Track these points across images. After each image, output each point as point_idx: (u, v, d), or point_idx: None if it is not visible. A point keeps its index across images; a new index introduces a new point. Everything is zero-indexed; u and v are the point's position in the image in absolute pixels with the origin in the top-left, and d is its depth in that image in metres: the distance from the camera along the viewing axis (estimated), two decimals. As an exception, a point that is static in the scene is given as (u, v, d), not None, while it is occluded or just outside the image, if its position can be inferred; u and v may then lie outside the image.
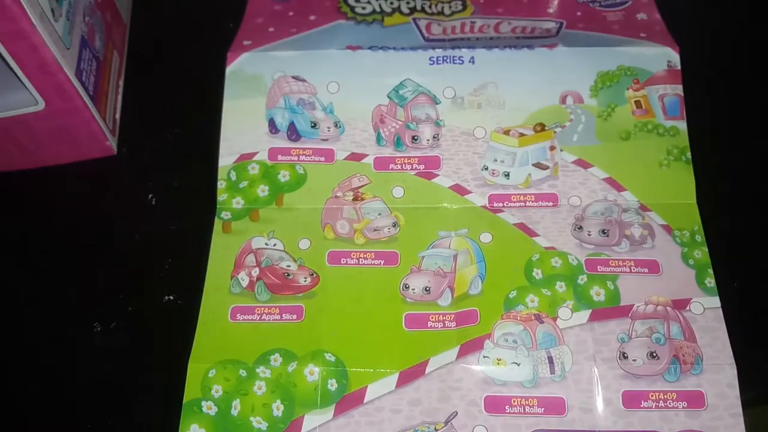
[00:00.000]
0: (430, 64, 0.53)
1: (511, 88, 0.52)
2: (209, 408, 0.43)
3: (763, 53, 0.56)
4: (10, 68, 0.45)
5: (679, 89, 0.52)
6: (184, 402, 0.43)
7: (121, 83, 0.56)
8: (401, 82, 0.53)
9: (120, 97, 0.56)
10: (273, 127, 0.52)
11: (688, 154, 0.50)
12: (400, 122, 0.52)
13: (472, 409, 0.43)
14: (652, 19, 0.55)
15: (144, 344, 0.47)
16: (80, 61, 0.49)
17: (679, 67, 0.52)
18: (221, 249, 0.49)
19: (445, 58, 0.53)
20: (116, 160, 0.54)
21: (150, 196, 0.52)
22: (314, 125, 0.52)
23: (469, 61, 0.53)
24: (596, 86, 0.52)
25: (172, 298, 0.48)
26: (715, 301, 0.45)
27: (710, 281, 0.46)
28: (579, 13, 0.56)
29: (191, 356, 0.45)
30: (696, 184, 0.49)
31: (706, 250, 0.47)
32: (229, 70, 0.53)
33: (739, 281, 0.46)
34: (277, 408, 0.43)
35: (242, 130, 0.52)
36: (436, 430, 0.42)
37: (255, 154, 0.51)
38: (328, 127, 0.52)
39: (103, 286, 0.49)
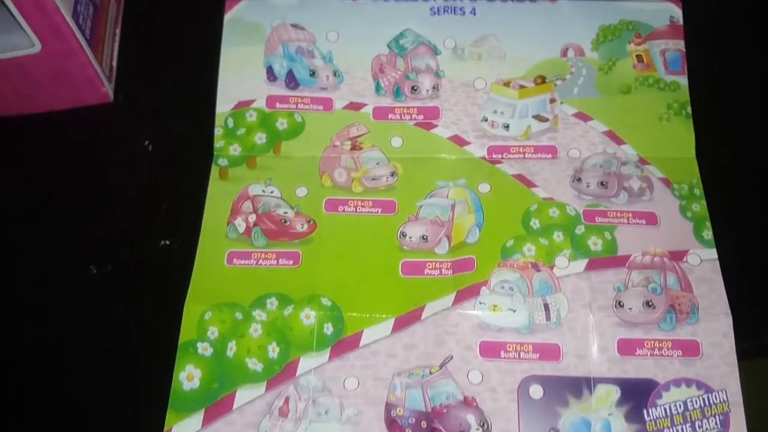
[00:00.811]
0: (431, 14, 0.53)
1: (512, 40, 0.52)
2: (204, 349, 0.43)
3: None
4: (7, 9, 0.45)
5: (681, 44, 0.51)
6: (179, 343, 0.43)
7: (118, 31, 0.56)
8: (401, 32, 0.52)
9: (117, 45, 0.55)
10: (271, 75, 0.52)
11: (689, 109, 0.50)
12: (399, 72, 0.51)
13: (467, 354, 0.43)
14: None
15: (139, 287, 0.46)
16: (77, 4, 0.48)
17: (681, 23, 0.52)
18: (218, 195, 0.49)
19: (446, 8, 0.53)
20: (113, 107, 0.53)
21: (146, 142, 0.51)
22: (313, 74, 0.51)
23: (471, 12, 0.52)
24: (598, 40, 0.52)
25: (168, 242, 0.48)
26: (713, 253, 0.45)
27: (708, 234, 0.46)
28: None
29: (187, 298, 0.45)
30: (696, 138, 0.49)
31: (705, 203, 0.47)
32: (227, 17, 0.53)
33: (736, 234, 0.46)
34: (273, 350, 0.43)
35: (240, 78, 0.52)
36: (431, 373, 0.42)
37: (252, 101, 0.51)
38: (327, 76, 0.51)
39: (98, 231, 0.49)
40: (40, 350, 0.44)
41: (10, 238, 0.48)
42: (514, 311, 0.43)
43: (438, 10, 0.53)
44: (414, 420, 0.41)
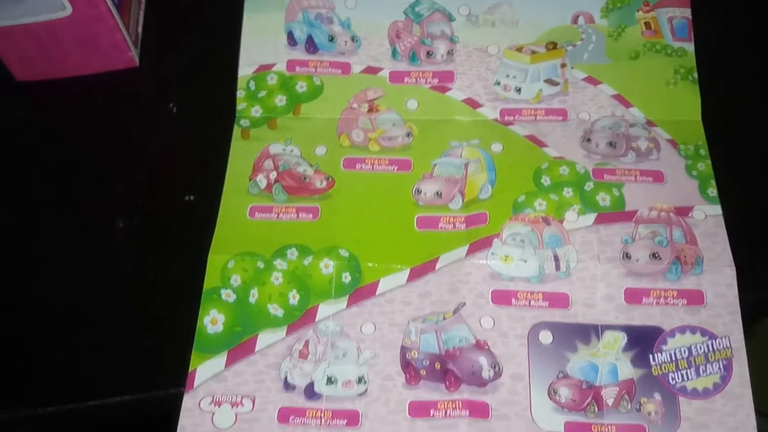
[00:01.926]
0: (447, -18, 0.55)
1: (525, 7, 0.54)
2: (228, 296, 0.45)
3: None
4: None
5: (687, 12, 0.53)
6: (204, 289, 0.45)
7: (143, 0, 0.58)
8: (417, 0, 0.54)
9: (142, 13, 0.57)
10: (291, 40, 0.54)
11: (695, 74, 0.51)
12: (415, 38, 0.53)
13: (479, 301, 0.44)
14: (664, -53, 0.56)
15: (165, 239, 0.48)
16: (106, -30, 0.51)
17: (688, -9, 0.54)
18: (240, 154, 0.51)
19: (461, -23, 0.55)
20: (138, 72, 0.55)
21: (171, 105, 0.53)
22: (332, 39, 0.53)
23: (485, -19, 0.54)
24: (607, 7, 0.53)
25: (192, 198, 0.50)
26: (717, 209, 0.47)
27: (712, 191, 0.47)
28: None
29: (211, 248, 0.46)
30: (701, 102, 0.50)
31: (710, 162, 0.48)
32: (249, -16, 0.55)
33: (740, 192, 0.48)
34: (293, 297, 0.45)
35: (261, 43, 0.54)
36: (444, 318, 0.44)
37: (273, 65, 0.53)
38: (345, 41, 0.53)
39: (125, 188, 0.50)
40: (72, 295, 0.46)
41: (44, 193, 0.50)
42: (525, 262, 0.45)
43: (453, -22, 0.55)
44: (428, 362, 0.43)
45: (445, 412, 0.42)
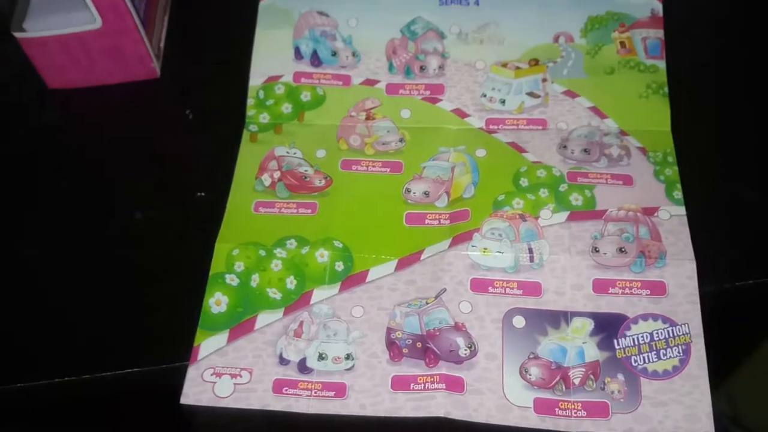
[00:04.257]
0: (440, 4, 0.60)
1: (511, 27, 0.59)
2: (232, 280, 0.50)
3: (741, 8, 0.62)
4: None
5: (660, 33, 0.58)
6: (210, 274, 0.50)
7: (166, 18, 0.63)
8: (413, 19, 0.59)
9: (165, 29, 0.63)
10: (298, 54, 0.59)
11: (666, 89, 0.56)
12: (410, 54, 0.58)
13: (459, 288, 0.49)
14: (642, -25, 0.61)
15: (177, 230, 0.53)
16: (133, -10, 0.56)
17: (661, 14, 0.58)
18: (248, 155, 0.56)
19: None
20: (159, 82, 0.60)
21: (188, 111, 0.59)
22: (334, 54, 0.59)
23: (475, 3, 0.60)
24: (586, 28, 0.58)
25: (203, 194, 0.55)
26: (681, 210, 0.51)
27: (678, 194, 0.51)
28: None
29: (218, 238, 0.51)
30: (671, 114, 0.55)
31: (677, 168, 0.53)
32: (262, 4, 0.60)
33: (704, 196, 0.52)
34: (291, 282, 0.50)
35: (271, 56, 0.59)
36: (426, 303, 0.48)
37: (281, 76, 0.58)
38: (347, 56, 0.59)
39: (144, 184, 0.55)
40: (95, 275, 0.51)
41: (71, 187, 0.56)
42: (502, 253, 0.49)
43: (446, 0, 0.60)
44: (411, 341, 0.47)
45: (424, 386, 0.46)
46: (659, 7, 0.58)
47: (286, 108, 0.57)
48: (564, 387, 0.46)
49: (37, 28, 0.56)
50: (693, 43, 0.59)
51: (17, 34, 0.56)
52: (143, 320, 0.49)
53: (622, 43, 0.57)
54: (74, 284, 0.51)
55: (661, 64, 0.57)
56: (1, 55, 0.60)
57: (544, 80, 0.57)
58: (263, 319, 0.48)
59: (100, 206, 0.55)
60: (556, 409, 0.45)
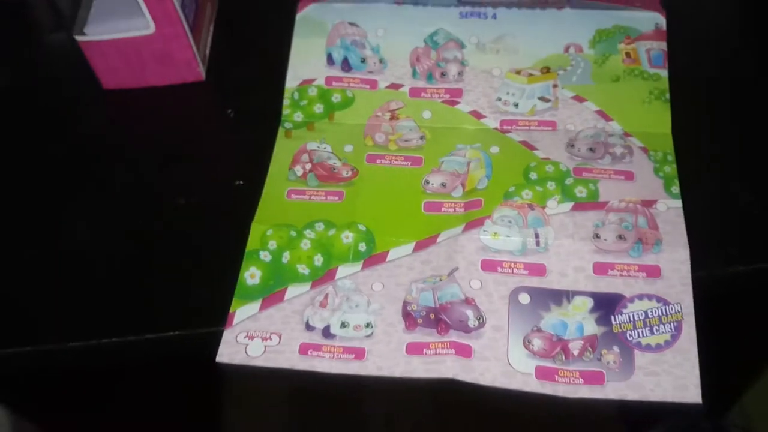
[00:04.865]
0: (461, 17, 0.65)
1: (525, 38, 0.64)
2: (265, 256, 0.55)
3: (742, 20, 0.67)
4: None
5: (663, 45, 0.63)
6: (246, 251, 0.55)
7: (211, 27, 0.70)
8: (435, 31, 0.65)
9: (210, 37, 0.69)
10: (330, 61, 0.65)
11: (667, 95, 0.61)
12: (432, 61, 0.64)
13: (470, 267, 0.53)
14: (649, -8, 0.67)
15: (217, 213, 0.59)
16: (183, 1, 0.63)
17: (664, 29, 0.63)
18: (283, 149, 0.61)
19: (472, 13, 0.66)
20: (204, 85, 0.67)
21: (229, 111, 0.65)
22: (363, 60, 0.64)
23: (492, 17, 0.65)
24: (594, 40, 0.63)
25: (242, 183, 0.60)
26: (678, 203, 0.55)
27: (675, 189, 0.56)
28: (589, -11, 0.68)
29: (254, 220, 0.57)
30: (672, 118, 0.60)
31: (675, 166, 0.57)
32: (299, 16, 0.67)
33: (700, 192, 0.56)
34: (318, 260, 0.55)
35: (306, 62, 0.65)
36: (440, 280, 0.53)
37: (314, 80, 0.64)
38: (374, 63, 0.64)
39: (189, 174, 0.61)
40: (146, 252, 0.57)
41: (127, 177, 0.62)
42: (510, 238, 0.54)
43: (466, 14, 0.66)
44: (424, 313, 0.52)
45: (435, 351, 0.50)
46: (663, 22, 0.64)
47: (318, 108, 0.63)
48: (564, 357, 0.50)
49: (96, 32, 0.62)
50: (694, 53, 0.64)
51: (78, 38, 0.63)
52: (186, 290, 0.54)
53: (628, 54, 0.62)
54: (127, 259, 0.57)
55: (664, 73, 0.62)
56: (64, 55, 0.67)
57: (555, 86, 0.62)
58: (292, 291, 0.54)
59: (149, 193, 0.61)
60: (556, 376, 0.49)
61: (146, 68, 0.65)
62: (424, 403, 0.54)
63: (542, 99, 0.62)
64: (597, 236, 0.54)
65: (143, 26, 0.62)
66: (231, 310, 0.53)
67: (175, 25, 0.62)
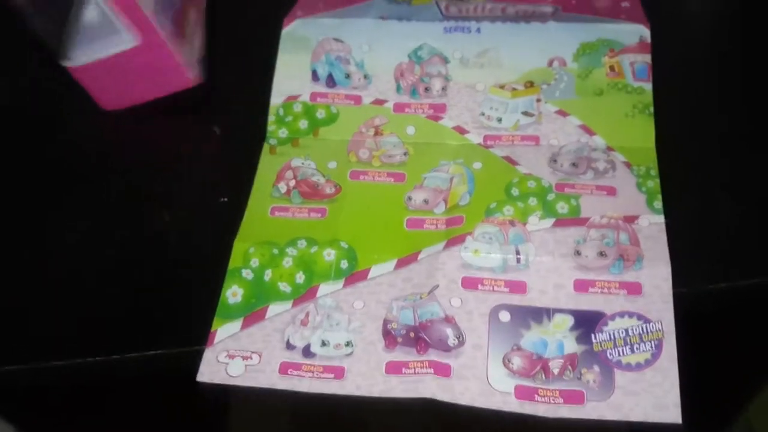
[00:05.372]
0: (445, 32, 0.66)
1: (509, 53, 0.64)
2: (247, 274, 0.55)
3: (727, 33, 0.66)
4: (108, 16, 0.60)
5: (648, 58, 0.62)
6: (228, 268, 0.56)
7: (202, 30, 0.69)
8: (420, 46, 0.65)
9: (202, 39, 0.68)
10: (315, 76, 0.65)
11: (651, 109, 0.60)
12: (416, 76, 0.64)
13: (451, 285, 0.53)
14: (634, 5, 0.66)
15: (201, 230, 0.59)
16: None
17: (649, 41, 0.63)
18: (267, 165, 0.61)
19: (456, 27, 0.66)
20: (190, 101, 0.67)
21: (215, 127, 0.65)
22: (348, 76, 0.65)
23: (476, 31, 0.65)
24: (578, 53, 0.63)
25: (226, 199, 0.60)
26: (660, 219, 0.55)
27: (658, 204, 0.56)
28: (574, 2, 0.68)
29: (236, 237, 0.57)
30: (656, 132, 0.59)
31: (658, 181, 0.57)
32: (284, 32, 0.67)
33: (683, 207, 0.56)
34: (300, 277, 0.55)
35: (291, 78, 0.65)
36: (420, 297, 0.53)
37: (299, 96, 0.64)
38: (359, 78, 0.65)
39: (174, 189, 0.62)
40: (125, 267, 0.57)
41: (110, 192, 0.62)
42: (491, 255, 0.54)
43: (450, 29, 0.66)
44: (404, 331, 0.52)
45: (414, 370, 0.50)
46: (647, 34, 0.63)
47: (303, 124, 0.63)
48: (544, 376, 0.50)
49: (79, 55, 0.62)
50: (679, 65, 0.63)
51: (65, 63, 0.63)
52: (167, 308, 0.55)
53: (612, 67, 0.62)
54: (109, 274, 0.57)
55: (648, 86, 0.61)
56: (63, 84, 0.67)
57: (539, 101, 0.62)
58: (274, 309, 0.54)
59: (135, 208, 0.61)
60: (536, 396, 0.49)
61: (138, 83, 0.65)
62: (403, 422, 0.54)
63: (526, 114, 0.62)
64: (578, 253, 0.54)
65: (124, 42, 0.62)
66: (212, 329, 0.53)
67: (152, 35, 0.62)
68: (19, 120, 0.68)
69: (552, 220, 0.56)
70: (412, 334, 0.52)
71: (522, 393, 0.49)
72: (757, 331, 0.57)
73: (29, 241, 0.60)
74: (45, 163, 0.64)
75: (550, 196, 0.57)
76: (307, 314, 0.53)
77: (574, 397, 0.49)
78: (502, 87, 0.63)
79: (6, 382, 0.54)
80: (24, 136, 0.67)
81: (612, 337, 0.51)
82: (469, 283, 0.53)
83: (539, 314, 0.52)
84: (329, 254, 0.56)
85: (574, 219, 0.56)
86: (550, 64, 0.63)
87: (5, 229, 0.61)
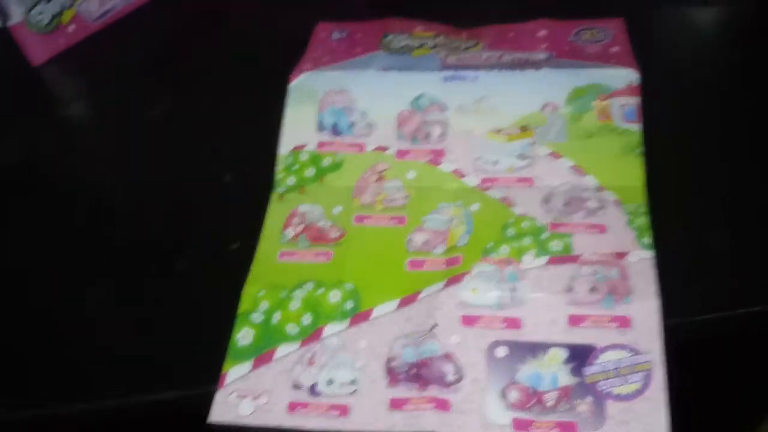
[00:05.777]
0: (444, 81, 0.69)
1: (504, 99, 0.67)
2: (257, 318, 0.58)
3: (716, 75, 0.69)
4: None
5: (637, 101, 0.65)
6: (238, 312, 0.59)
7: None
8: (420, 94, 0.69)
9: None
10: (321, 126, 0.69)
11: (640, 149, 0.63)
12: (417, 124, 0.67)
13: (450, 323, 0.56)
14: (624, 50, 0.69)
15: (213, 276, 0.62)
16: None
17: (638, 84, 0.66)
18: (276, 212, 0.65)
19: (455, 77, 0.69)
20: (202, 152, 0.71)
21: (227, 175, 0.69)
22: (352, 125, 0.68)
23: (473, 79, 0.69)
24: (570, 98, 0.66)
25: (237, 246, 0.64)
26: (650, 254, 0.57)
27: (647, 240, 0.58)
28: (566, 48, 0.71)
29: (246, 282, 0.60)
30: (646, 171, 0.62)
31: (648, 218, 0.59)
32: (291, 85, 0.71)
33: (672, 242, 0.58)
34: (306, 319, 0.58)
35: (298, 128, 0.69)
36: (421, 336, 0.56)
37: (306, 145, 0.68)
38: (362, 127, 0.68)
39: (187, 236, 0.65)
40: (137, 309, 0.61)
41: (125, 239, 0.66)
42: (488, 293, 0.57)
43: (449, 78, 0.69)
44: (406, 368, 0.54)
45: (415, 406, 0.53)
46: (637, 78, 0.66)
47: (310, 172, 0.67)
48: (539, 409, 0.52)
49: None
50: (667, 108, 0.66)
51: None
52: (180, 350, 0.58)
53: (601, 111, 0.65)
54: (122, 321, 0.60)
55: (636, 127, 0.64)
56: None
57: (533, 144, 0.65)
58: (282, 350, 0.57)
59: (146, 254, 0.65)
60: (531, 428, 0.51)
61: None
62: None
63: (520, 157, 0.65)
64: (570, 289, 0.56)
65: None
66: (223, 371, 0.56)
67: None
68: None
69: (546, 258, 0.58)
70: (413, 371, 0.54)
71: (519, 425, 0.52)
72: (746, 360, 0.58)
73: (36, 285, 0.63)
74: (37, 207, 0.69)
75: (544, 235, 0.59)
76: (314, 354, 0.56)
77: (567, 429, 0.51)
78: (498, 132, 0.66)
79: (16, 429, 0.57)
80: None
81: (604, 369, 0.53)
82: (468, 321, 0.56)
83: (534, 349, 0.54)
84: (335, 295, 0.59)
85: (567, 256, 0.58)
86: (544, 108, 0.66)
87: (12, 273, 0.65)
